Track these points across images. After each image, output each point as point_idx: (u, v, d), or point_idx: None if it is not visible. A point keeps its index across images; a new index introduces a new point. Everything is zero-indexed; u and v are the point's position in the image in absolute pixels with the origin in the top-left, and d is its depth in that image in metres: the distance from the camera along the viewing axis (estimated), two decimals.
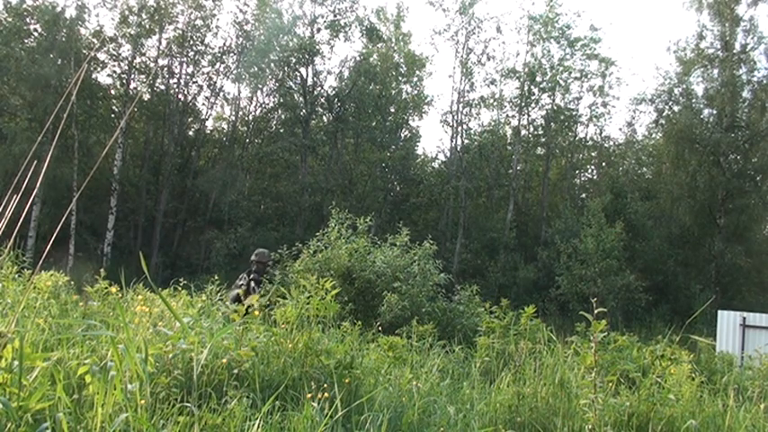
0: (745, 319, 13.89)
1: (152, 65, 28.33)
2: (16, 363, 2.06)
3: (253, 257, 7.63)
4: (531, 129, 34.10)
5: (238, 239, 25.53)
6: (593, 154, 37.29)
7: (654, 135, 34.60)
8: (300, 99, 30.90)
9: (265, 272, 7.59)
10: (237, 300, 6.41)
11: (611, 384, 3.60)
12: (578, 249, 24.13)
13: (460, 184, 29.41)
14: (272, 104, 32.29)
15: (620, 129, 46.98)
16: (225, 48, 29.49)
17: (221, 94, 31.76)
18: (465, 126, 32.77)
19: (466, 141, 32.13)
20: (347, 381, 3.48)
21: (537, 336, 5.29)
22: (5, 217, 2.00)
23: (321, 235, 11.45)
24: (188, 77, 29.57)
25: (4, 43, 22.60)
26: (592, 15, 72.42)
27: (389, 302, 9.59)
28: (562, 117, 33.34)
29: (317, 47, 29.80)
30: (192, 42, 28.72)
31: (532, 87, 32.22)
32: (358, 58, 31.33)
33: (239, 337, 3.47)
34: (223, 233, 26.10)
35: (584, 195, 35.06)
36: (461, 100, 32.20)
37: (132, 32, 26.76)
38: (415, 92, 35.17)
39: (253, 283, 7.28)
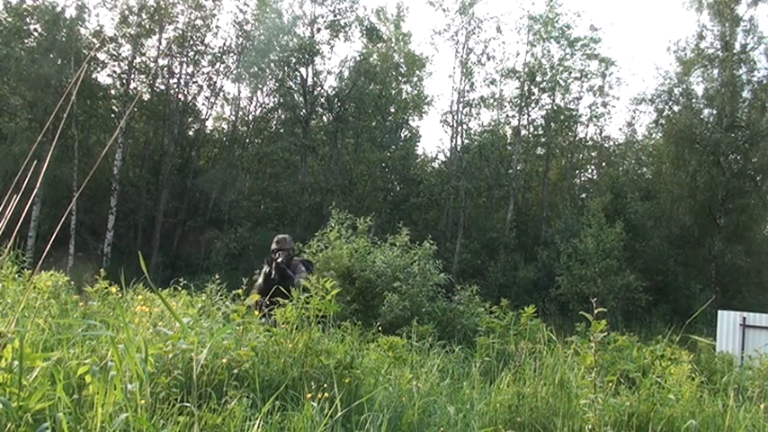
0: (745, 319, 13.90)
1: (152, 65, 28.33)
2: (16, 363, 2.06)
3: (274, 245, 6.55)
4: (531, 129, 34.11)
5: (238, 239, 25.54)
6: (593, 154, 37.32)
7: (654, 135, 34.61)
8: (300, 99, 30.89)
9: (290, 261, 6.37)
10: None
11: (611, 384, 3.59)
12: (578, 249, 24.12)
13: (460, 184, 29.41)
14: (272, 104, 32.29)
15: (620, 129, 47.10)
16: (225, 48, 29.49)
17: (221, 94, 31.79)
18: (465, 126, 32.80)
19: (466, 141, 32.13)
20: (347, 381, 3.48)
21: (537, 336, 5.29)
22: (5, 217, 2.00)
23: (321, 235, 11.45)
24: (188, 77, 29.57)
25: (4, 43, 22.59)
26: (592, 15, 72.54)
27: (390, 302, 9.59)
28: (562, 117, 33.35)
29: (317, 47, 29.79)
30: (192, 42, 28.70)
31: (532, 87, 32.23)
32: (358, 58, 31.32)
33: (239, 337, 3.47)
34: (223, 233, 26.09)
35: (584, 195, 35.06)
36: (461, 100, 32.21)
37: (132, 32, 26.76)
38: (415, 92, 35.18)
39: (274, 273, 6.15)
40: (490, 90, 32.99)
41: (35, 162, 2.22)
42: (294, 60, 29.54)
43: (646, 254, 26.13)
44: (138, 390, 2.29)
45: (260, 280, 6.24)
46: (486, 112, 48.36)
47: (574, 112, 33.92)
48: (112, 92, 28.00)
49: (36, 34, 24.18)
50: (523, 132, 33.54)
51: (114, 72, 27.33)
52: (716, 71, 27.61)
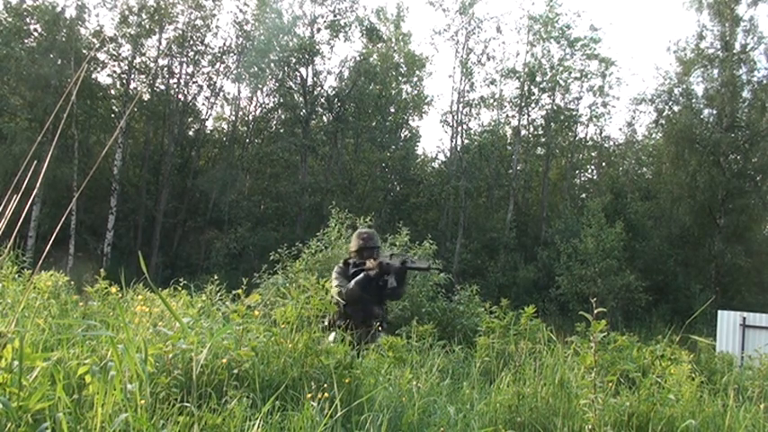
0: (745, 319, 13.90)
1: (152, 65, 28.34)
2: (16, 363, 2.06)
3: (360, 242, 5.03)
4: (531, 129, 34.12)
5: (238, 239, 25.54)
6: (593, 154, 37.31)
7: (654, 135, 34.63)
8: (300, 99, 30.89)
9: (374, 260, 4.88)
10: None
11: (611, 384, 3.59)
12: (578, 249, 24.12)
13: (460, 184, 29.41)
14: (272, 104, 32.30)
15: (620, 129, 47.13)
16: (225, 48, 29.51)
17: (221, 94, 31.80)
18: (465, 126, 32.80)
19: (466, 141, 32.13)
20: (347, 381, 3.48)
21: (537, 336, 5.29)
22: (5, 217, 2.00)
23: (321, 235, 11.44)
24: (188, 77, 29.59)
25: (4, 43, 22.58)
26: (592, 15, 72.49)
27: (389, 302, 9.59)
28: (562, 117, 33.35)
29: (317, 47, 29.79)
30: (192, 42, 28.72)
31: (532, 87, 32.23)
32: (358, 58, 31.33)
33: (239, 337, 3.47)
34: (223, 233, 26.10)
35: (584, 195, 35.06)
36: (461, 100, 32.21)
37: (132, 32, 26.76)
38: (415, 92, 35.19)
39: (391, 280, 4.89)
40: (490, 90, 33.03)
41: (35, 162, 2.21)
42: (294, 60, 29.55)
43: (646, 254, 26.13)
44: (138, 390, 2.29)
45: (355, 288, 4.73)
46: (486, 112, 48.37)
47: (574, 112, 33.93)
48: (112, 92, 28.02)
49: (36, 34, 24.19)
50: (523, 132, 33.55)
51: (114, 72, 27.39)
52: (716, 71, 27.60)
